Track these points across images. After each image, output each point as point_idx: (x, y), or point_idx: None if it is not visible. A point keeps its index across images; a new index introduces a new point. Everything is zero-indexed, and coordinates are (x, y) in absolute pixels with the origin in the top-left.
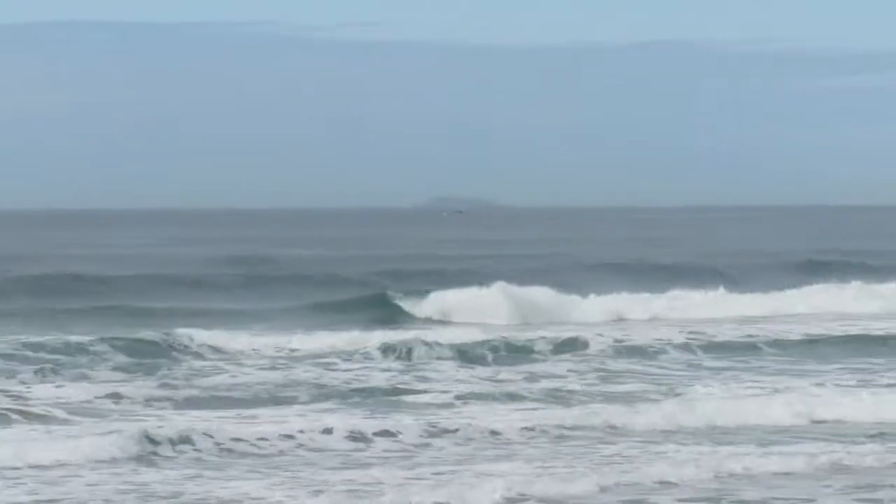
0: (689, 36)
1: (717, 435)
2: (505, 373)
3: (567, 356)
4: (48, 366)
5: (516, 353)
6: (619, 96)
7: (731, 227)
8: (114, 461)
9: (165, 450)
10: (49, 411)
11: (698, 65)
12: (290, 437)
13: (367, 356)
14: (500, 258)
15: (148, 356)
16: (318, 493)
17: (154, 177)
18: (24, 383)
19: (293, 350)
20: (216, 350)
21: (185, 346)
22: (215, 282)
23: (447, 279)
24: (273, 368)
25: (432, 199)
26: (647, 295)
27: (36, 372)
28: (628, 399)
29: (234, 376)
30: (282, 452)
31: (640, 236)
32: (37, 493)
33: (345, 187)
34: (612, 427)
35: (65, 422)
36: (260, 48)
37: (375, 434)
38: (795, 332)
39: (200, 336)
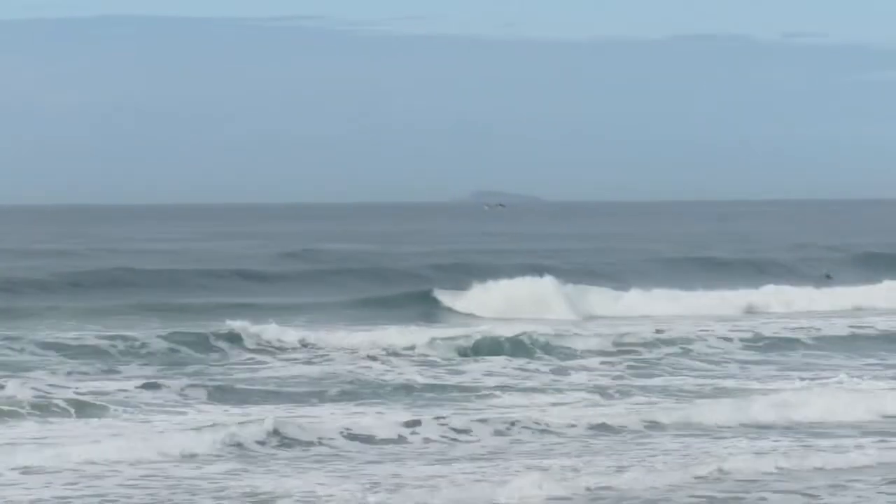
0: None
1: (753, 429)
2: (547, 366)
3: (610, 349)
4: (88, 358)
5: (558, 347)
6: (657, 89)
7: (786, 222)
8: (168, 457)
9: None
10: (92, 401)
11: (736, 57)
12: (338, 430)
13: (410, 350)
14: (547, 253)
15: (192, 348)
16: (369, 487)
17: (174, 172)
18: (54, 373)
19: (335, 345)
20: (260, 343)
21: (229, 340)
22: (262, 275)
23: (494, 274)
24: (310, 363)
25: (473, 194)
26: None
27: (78, 364)
28: (667, 393)
29: (275, 370)
30: (321, 442)
31: (689, 231)
32: (76, 486)
33: (383, 182)
34: (652, 421)
35: (103, 412)
36: (295, 44)
37: (416, 427)
38: (840, 326)
39: (245, 329)
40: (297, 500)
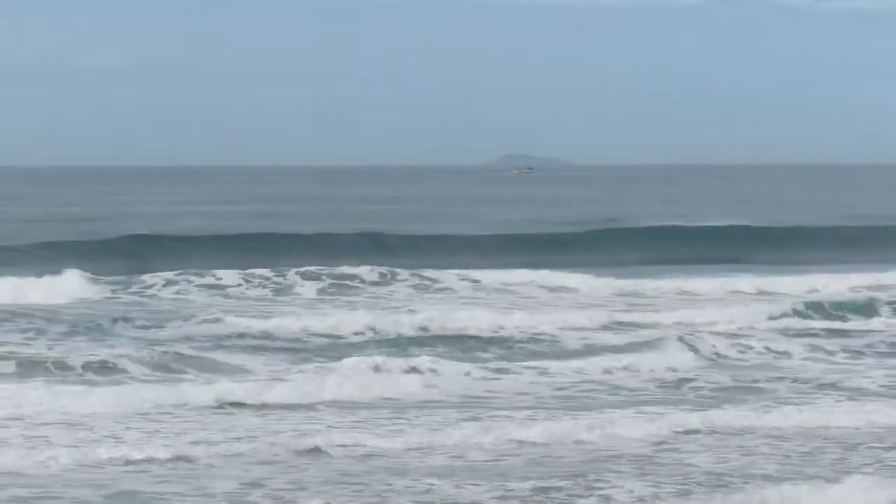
0: None
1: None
2: None
3: None
4: None
5: None
6: (685, 53)
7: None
8: None
9: None
10: None
11: (762, 21)
12: None
13: None
14: None
15: None
16: None
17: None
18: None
19: None
20: None
21: None
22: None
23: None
24: None
25: (502, 158)
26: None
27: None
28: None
29: None
30: None
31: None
32: None
33: (410, 147)
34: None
35: None
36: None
37: None
38: None
39: None
40: None
